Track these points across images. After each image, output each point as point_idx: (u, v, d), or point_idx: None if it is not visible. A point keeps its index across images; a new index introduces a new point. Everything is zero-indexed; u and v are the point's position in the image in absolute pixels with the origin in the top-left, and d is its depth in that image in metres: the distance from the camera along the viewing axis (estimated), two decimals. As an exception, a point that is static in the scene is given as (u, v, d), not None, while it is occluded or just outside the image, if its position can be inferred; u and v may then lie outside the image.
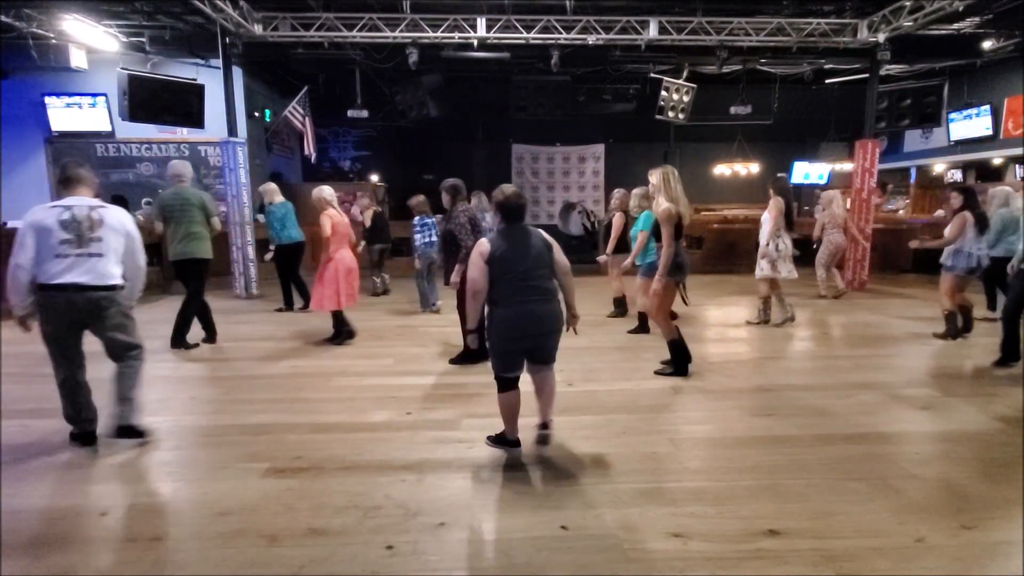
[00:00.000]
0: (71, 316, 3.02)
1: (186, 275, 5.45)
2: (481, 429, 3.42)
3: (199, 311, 5.57)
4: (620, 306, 6.81)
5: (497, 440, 3.17)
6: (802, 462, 2.98)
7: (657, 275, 4.27)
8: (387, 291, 8.42)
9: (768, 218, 6.06)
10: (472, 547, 2.27)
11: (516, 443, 3.11)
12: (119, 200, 8.20)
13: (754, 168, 13.90)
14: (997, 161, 11.55)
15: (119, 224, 3.16)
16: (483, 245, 2.93)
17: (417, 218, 6.97)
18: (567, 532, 2.35)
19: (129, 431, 3.22)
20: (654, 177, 4.32)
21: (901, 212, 13.50)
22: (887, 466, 2.94)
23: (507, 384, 3.01)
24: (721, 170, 14.11)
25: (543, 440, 3.14)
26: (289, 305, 7.29)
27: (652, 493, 2.67)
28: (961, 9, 7.27)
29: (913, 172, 13.59)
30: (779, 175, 6.48)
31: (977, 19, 8.47)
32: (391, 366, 4.83)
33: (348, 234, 5.42)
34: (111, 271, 3.10)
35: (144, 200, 10.05)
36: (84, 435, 3.24)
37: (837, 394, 4.05)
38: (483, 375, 4.48)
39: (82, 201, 3.11)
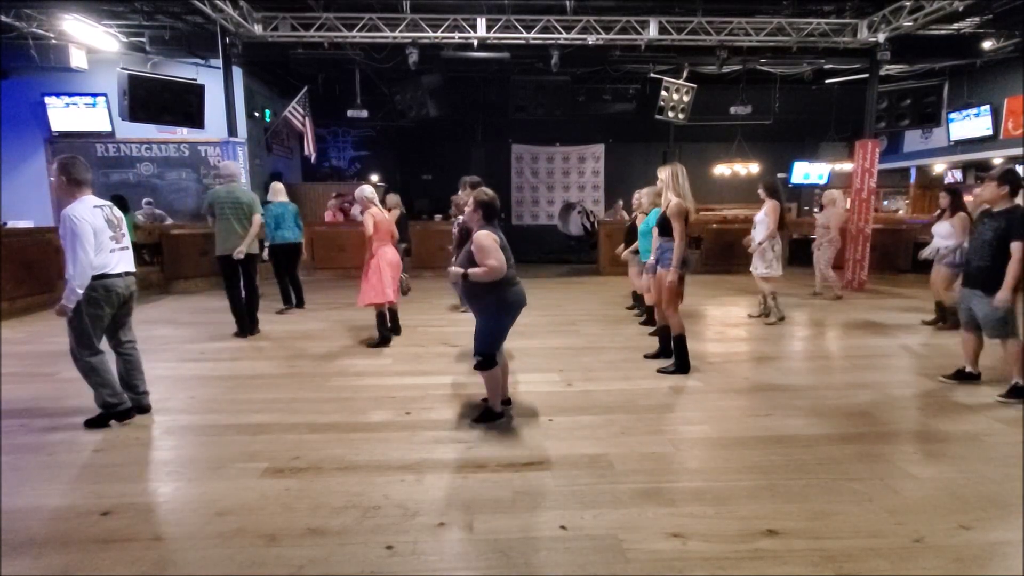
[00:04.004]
0: (120, 300, 3.53)
1: (247, 267, 5.89)
2: (480, 429, 3.43)
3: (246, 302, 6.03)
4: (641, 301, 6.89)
5: (485, 417, 3.52)
6: (801, 462, 2.98)
7: (671, 268, 4.38)
8: (408, 289, 8.44)
9: (765, 219, 6.30)
10: (471, 547, 2.27)
11: (502, 414, 3.57)
12: (119, 200, 8.21)
13: (754, 168, 13.90)
14: (997, 161, 11.55)
15: (125, 221, 3.67)
16: (492, 235, 3.30)
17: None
18: (566, 532, 2.35)
19: (146, 409, 3.76)
20: (663, 173, 4.46)
21: (901, 212, 13.51)
22: (885, 466, 2.94)
23: (494, 361, 3.39)
24: (721, 170, 14.12)
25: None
26: (288, 304, 7.33)
27: (651, 493, 2.67)
28: (961, 9, 7.28)
29: (913, 172, 13.60)
30: (767, 177, 6.79)
31: (977, 19, 8.48)
32: (389, 366, 4.83)
33: (391, 231, 5.58)
34: (133, 260, 3.67)
35: (144, 200, 10.05)
36: (128, 410, 3.60)
37: (835, 394, 4.06)
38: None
39: (101, 201, 3.52)
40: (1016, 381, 3.90)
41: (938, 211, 6.04)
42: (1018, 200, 3.91)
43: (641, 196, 6.27)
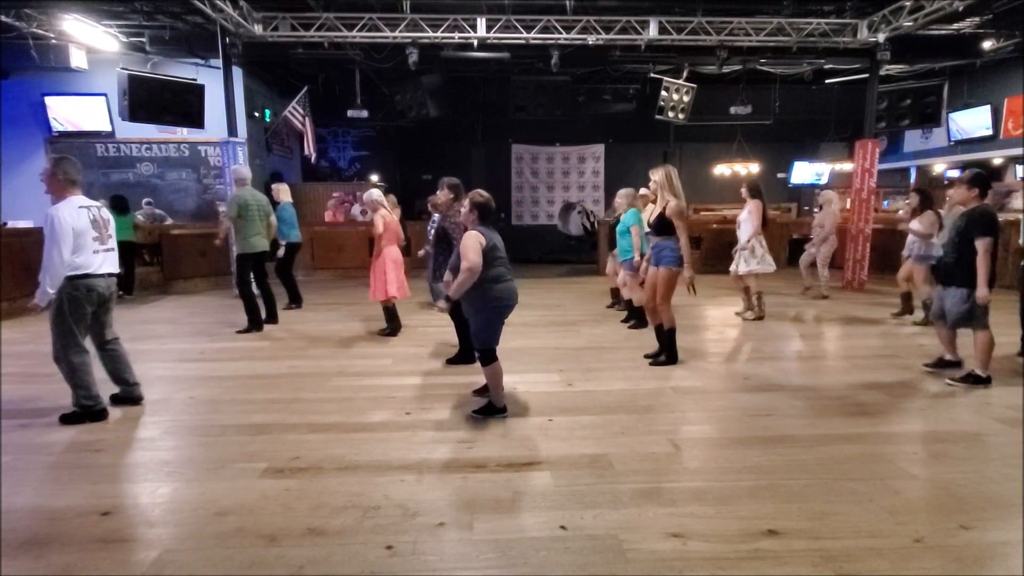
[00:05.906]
0: (101, 300, 3.57)
1: (258, 265, 6.19)
2: (480, 428, 3.43)
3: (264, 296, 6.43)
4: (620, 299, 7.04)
5: (487, 411, 3.60)
6: (801, 462, 2.98)
7: (685, 266, 4.56)
8: None
9: (749, 219, 6.52)
10: (471, 547, 2.27)
11: (505, 409, 3.62)
12: (119, 200, 8.23)
13: (754, 168, 13.91)
14: (997, 161, 11.55)
15: (113, 222, 3.73)
16: (478, 235, 3.40)
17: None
18: (566, 532, 2.35)
19: (138, 400, 3.88)
20: (657, 175, 4.56)
21: (901, 212, 13.49)
22: (886, 466, 2.93)
23: (493, 355, 3.51)
24: (721, 170, 14.11)
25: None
26: (294, 301, 7.46)
27: (651, 493, 2.67)
28: (961, 9, 7.28)
29: (913, 172, 13.60)
30: (751, 177, 7.08)
31: (977, 19, 8.48)
32: (389, 366, 4.83)
33: (397, 232, 5.93)
34: (117, 262, 3.71)
35: (144, 200, 10.05)
36: (103, 411, 3.61)
37: (836, 394, 4.05)
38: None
39: (88, 202, 3.56)
40: (973, 369, 4.13)
41: (911, 209, 6.23)
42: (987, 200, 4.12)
43: (620, 198, 6.36)
